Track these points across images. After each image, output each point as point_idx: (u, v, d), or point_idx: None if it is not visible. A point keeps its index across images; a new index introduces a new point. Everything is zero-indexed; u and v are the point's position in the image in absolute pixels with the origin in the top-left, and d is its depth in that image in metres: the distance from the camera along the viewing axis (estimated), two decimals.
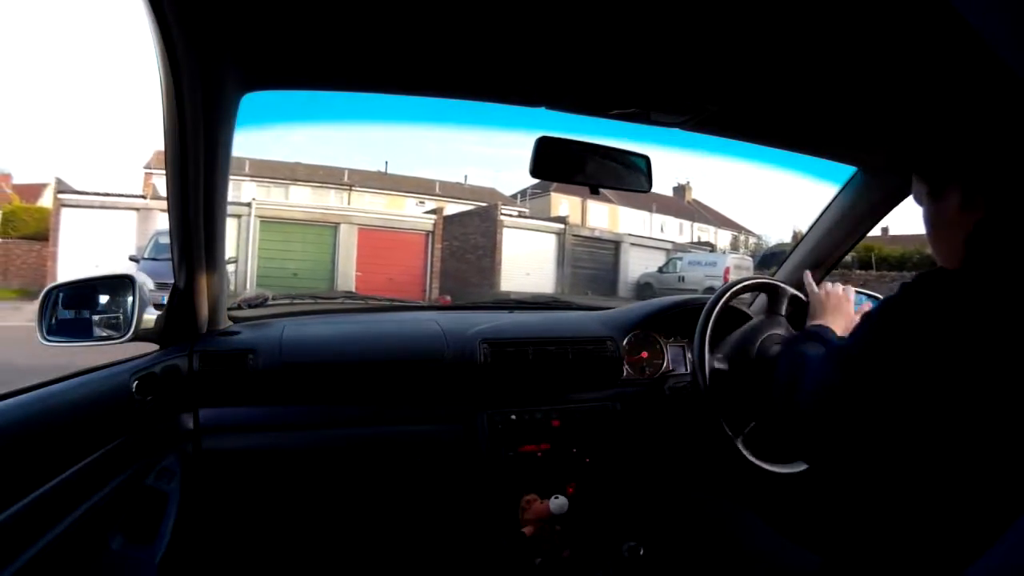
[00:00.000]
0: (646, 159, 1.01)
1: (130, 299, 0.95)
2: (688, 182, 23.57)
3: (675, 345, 1.29)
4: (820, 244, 1.31)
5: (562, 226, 14.24)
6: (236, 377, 1.00)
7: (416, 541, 1.14)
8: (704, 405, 1.01)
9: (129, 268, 7.43)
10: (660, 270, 13.80)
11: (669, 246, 15.83)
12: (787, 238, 18.24)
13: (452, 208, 14.32)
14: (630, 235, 15.38)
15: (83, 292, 0.98)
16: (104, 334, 0.96)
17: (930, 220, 0.61)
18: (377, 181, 17.16)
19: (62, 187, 11.46)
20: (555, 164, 0.95)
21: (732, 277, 12.12)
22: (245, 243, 11.27)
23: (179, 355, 0.98)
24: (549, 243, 13.77)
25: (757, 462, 0.97)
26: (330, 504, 1.10)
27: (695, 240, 20.42)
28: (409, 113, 1.08)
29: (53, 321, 0.95)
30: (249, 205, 11.64)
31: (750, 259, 13.85)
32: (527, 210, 15.93)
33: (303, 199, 14.64)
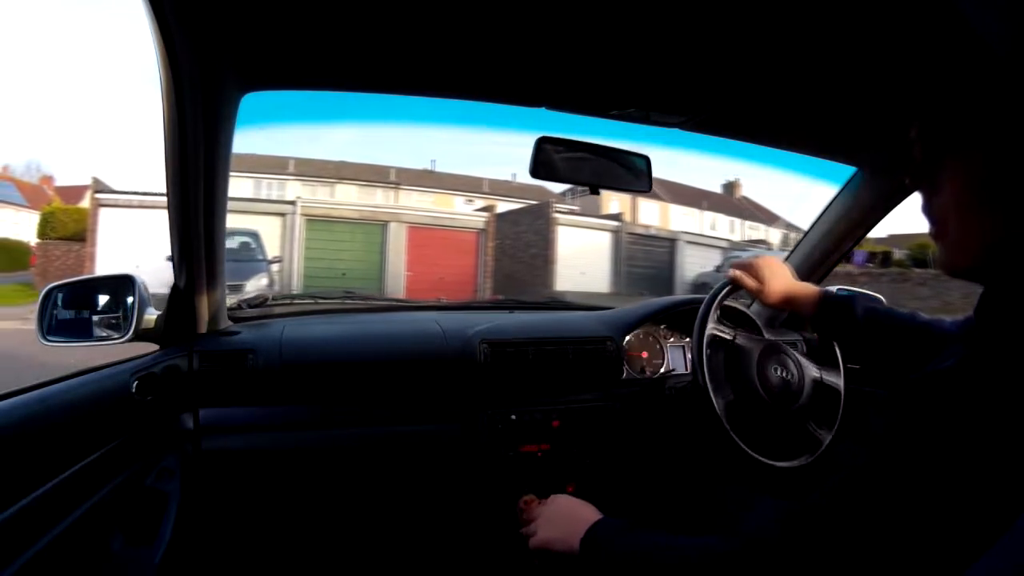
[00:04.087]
0: (646, 159, 1.01)
1: (130, 299, 0.95)
2: (737, 178, 23.06)
3: (675, 345, 1.29)
4: (820, 244, 1.31)
5: (617, 223, 13.76)
6: (236, 377, 1.00)
7: (416, 541, 1.14)
8: (704, 405, 1.01)
9: (167, 268, 7.47)
10: (717, 269, 13.04)
11: (725, 244, 15.23)
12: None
13: (500, 207, 13.88)
14: (686, 233, 14.79)
15: (83, 292, 0.98)
16: (104, 334, 0.96)
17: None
18: (424, 179, 16.66)
19: (100, 187, 11.10)
20: (555, 164, 0.95)
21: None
22: (290, 242, 10.91)
23: (179, 355, 0.98)
24: (604, 241, 13.32)
25: (759, 458, 0.97)
26: (330, 504, 1.10)
27: (746, 238, 19.88)
28: (409, 113, 1.08)
29: (53, 321, 0.95)
30: (294, 203, 11.31)
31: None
32: (577, 207, 15.36)
33: (349, 198, 14.16)
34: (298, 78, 0.86)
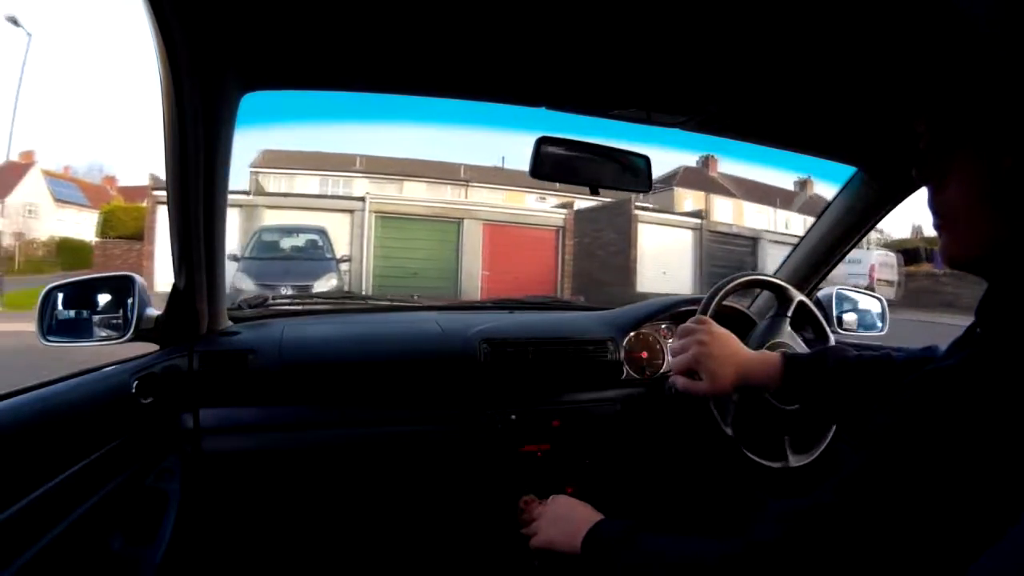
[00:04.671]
0: (646, 159, 1.00)
1: (130, 299, 0.95)
2: (809, 175, 22.54)
3: None
4: (820, 244, 1.31)
5: (699, 221, 13.17)
6: (236, 377, 1.00)
7: (416, 541, 1.14)
8: (703, 405, 1.01)
9: (230, 267, 7.09)
10: None
11: None
12: (907, 233, 17.05)
13: (575, 203, 13.14)
14: (767, 232, 14.27)
15: (83, 292, 0.98)
16: (104, 334, 0.96)
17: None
18: (495, 176, 16.07)
19: (158, 184, 10.68)
20: (555, 164, 0.95)
21: (877, 276, 11.42)
22: (360, 240, 10.44)
23: (179, 355, 0.98)
24: (685, 240, 12.76)
25: (758, 459, 0.97)
26: (330, 504, 1.10)
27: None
28: (408, 112, 1.08)
29: (53, 321, 0.95)
30: (363, 200, 10.85)
31: (894, 255, 12.61)
32: (651, 204, 14.76)
33: (417, 195, 13.51)
34: (298, 78, 0.86)
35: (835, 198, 1.27)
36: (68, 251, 15.98)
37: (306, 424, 1.05)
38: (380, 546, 1.14)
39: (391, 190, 13.76)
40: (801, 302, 1.09)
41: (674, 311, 1.27)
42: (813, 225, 1.35)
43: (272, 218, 9.62)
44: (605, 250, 12.14)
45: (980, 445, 0.41)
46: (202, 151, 0.80)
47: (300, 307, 1.34)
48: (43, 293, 0.95)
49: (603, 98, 0.90)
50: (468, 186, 15.24)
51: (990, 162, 0.48)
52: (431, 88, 0.91)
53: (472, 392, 1.12)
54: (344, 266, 8.55)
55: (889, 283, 11.65)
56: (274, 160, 14.19)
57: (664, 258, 11.84)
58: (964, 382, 0.43)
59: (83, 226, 19.73)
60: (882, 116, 0.90)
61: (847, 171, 1.21)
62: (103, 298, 0.97)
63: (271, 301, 1.33)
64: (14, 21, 15.62)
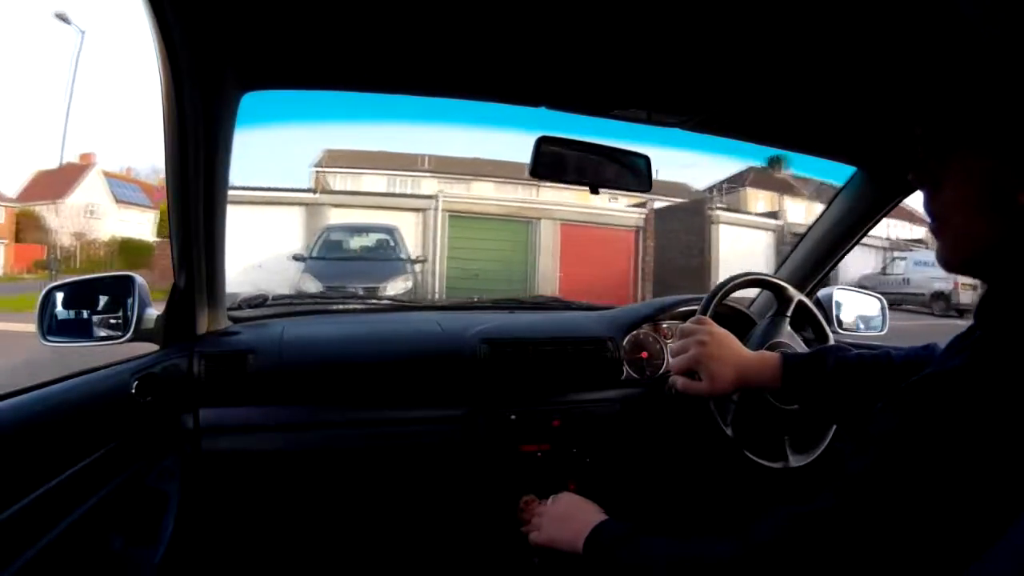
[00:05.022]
0: (646, 159, 1.00)
1: (130, 299, 0.95)
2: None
3: None
4: (820, 244, 1.31)
5: (779, 222, 12.60)
6: (236, 377, 1.00)
7: (416, 541, 1.14)
8: (703, 405, 1.01)
9: (293, 267, 6.58)
10: (883, 272, 12.03)
11: (885, 244, 13.89)
12: None
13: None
14: None
15: (83, 292, 0.98)
16: (104, 334, 0.96)
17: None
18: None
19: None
20: (555, 164, 0.95)
21: (961, 280, 10.60)
22: (432, 240, 9.94)
23: (179, 355, 0.98)
24: (763, 241, 12.20)
25: (758, 459, 0.97)
26: (330, 504, 1.10)
27: (898, 237, 18.67)
28: (407, 112, 1.08)
29: (53, 321, 0.95)
30: (434, 198, 10.39)
31: None
32: (724, 205, 14.24)
33: (487, 194, 12.85)
34: (298, 78, 0.86)
35: (835, 198, 1.27)
36: (129, 251, 15.94)
37: (306, 424, 1.05)
38: (380, 546, 1.14)
39: (459, 189, 13.10)
40: (801, 302, 1.10)
41: (674, 311, 1.27)
42: (813, 225, 1.35)
43: (338, 217, 9.28)
44: (679, 252, 11.55)
45: (980, 448, 0.41)
46: (202, 151, 0.80)
47: (300, 307, 1.34)
48: (43, 293, 0.95)
49: (603, 98, 0.90)
50: (539, 186, 13.97)
51: (984, 166, 0.48)
52: (431, 88, 0.91)
53: (472, 392, 1.12)
54: (416, 267, 8.06)
55: (973, 287, 11.30)
56: (338, 159, 13.68)
57: (744, 261, 10.97)
58: (965, 385, 0.44)
59: (146, 227, 19.85)
60: (882, 117, 0.90)
61: (847, 171, 1.21)
62: (103, 298, 0.97)
63: (271, 301, 1.33)
64: (64, 18, 15.35)
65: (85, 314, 0.96)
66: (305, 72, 0.85)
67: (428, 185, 13.08)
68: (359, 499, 1.11)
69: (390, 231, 8.10)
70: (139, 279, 0.98)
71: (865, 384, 0.74)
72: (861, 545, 0.44)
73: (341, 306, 1.43)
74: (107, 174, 21.59)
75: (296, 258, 6.94)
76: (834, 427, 1.02)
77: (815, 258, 1.33)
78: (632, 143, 1.00)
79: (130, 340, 0.94)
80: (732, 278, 1.08)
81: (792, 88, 0.83)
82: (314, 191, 10.41)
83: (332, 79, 0.88)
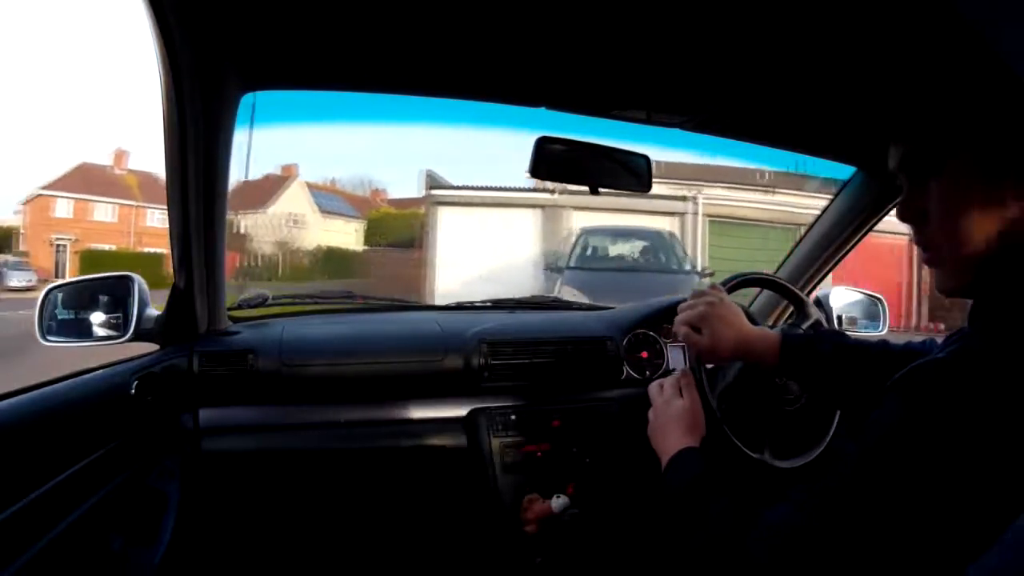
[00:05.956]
0: (646, 159, 1.00)
1: (130, 299, 0.95)
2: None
3: (675, 345, 1.29)
4: (820, 244, 1.31)
5: None
6: (236, 377, 1.00)
7: (417, 540, 1.14)
8: (702, 405, 1.01)
9: (554, 280, 5.66)
10: None
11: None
12: None
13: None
14: None
15: (83, 292, 0.98)
16: (104, 334, 0.96)
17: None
18: (796, 182, 14.12)
19: (434, 183, 8.84)
20: (555, 164, 0.95)
21: None
22: (692, 249, 8.54)
23: (179, 355, 0.98)
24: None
25: (758, 458, 0.97)
26: (330, 504, 1.10)
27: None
28: (406, 112, 1.08)
29: (53, 321, 0.95)
30: (688, 199, 9.21)
31: None
32: None
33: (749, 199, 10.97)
34: (298, 78, 0.86)
35: (835, 198, 1.27)
36: (334, 260, 15.28)
37: (306, 424, 1.05)
38: (380, 546, 1.14)
39: (717, 191, 11.25)
40: (793, 294, 1.11)
41: (674, 311, 1.27)
42: (813, 225, 1.35)
43: (581, 220, 8.22)
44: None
45: (974, 441, 0.42)
46: (202, 151, 0.80)
47: (300, 307, 1.34)
48: (43, 293, 0.95)
49: (603, 98, 0.90)
50: (773, 192, 12.57)
51: (970, 176, 0.51)
52: (431, 88, 0.91)
53: (472, 392, 1.12)
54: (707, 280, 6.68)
55: None
56: None
57: None
58: (953, 373, 0.45)
59: (351, 236, 19.38)
60: (882, 117, 0.90)
61: (847, 171, 1.21)
62: (103, 298, 0.97)
63: (271, 301, 1.33)
64: None
65: (85, 314, 0.96)
66: (306, 72, 0.85)
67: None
68: (359, 499, 1.11)
69: (663, 235, 7.08)
70: (139, 279, 0.98)
71: (862, 369, 0.75)
72: (860, 542, 0.45)
73: (341, 306, 1.43)
74: (310, 185, 21.39)
75: (550, 268, 6.15)
76: (834, 427, 1.02)
77: (815, 258, 1.33)
78: (632, 143, 1.00)
79: (130, 340, 0.94)
80: (732, 278, 1.07)
81: (792, 89, 0.84)
82: (552, 192, 9.15)
83: (333, 79, 0.88)
